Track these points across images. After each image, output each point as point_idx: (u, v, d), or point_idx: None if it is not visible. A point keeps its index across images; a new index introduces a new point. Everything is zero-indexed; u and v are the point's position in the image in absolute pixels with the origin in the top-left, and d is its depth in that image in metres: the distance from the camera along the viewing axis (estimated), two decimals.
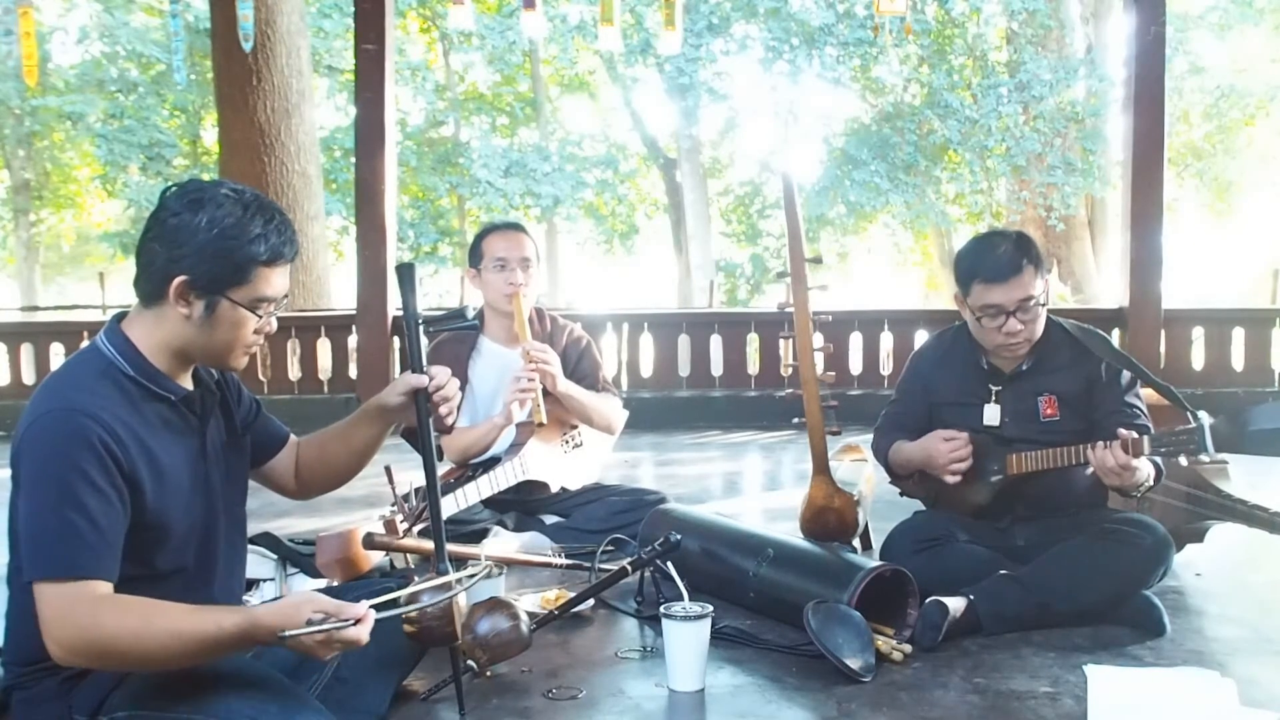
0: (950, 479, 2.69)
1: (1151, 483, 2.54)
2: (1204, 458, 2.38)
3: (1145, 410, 2.68)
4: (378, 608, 1.59)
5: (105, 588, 1.56)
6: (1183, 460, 2.43)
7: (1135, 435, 2.42)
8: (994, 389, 2.74)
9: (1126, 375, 2.70)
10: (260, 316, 1.72)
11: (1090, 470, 2.74)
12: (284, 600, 1.58)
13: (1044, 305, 2.66)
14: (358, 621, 1.53)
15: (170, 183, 1.75)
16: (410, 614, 1.76)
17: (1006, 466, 2.66)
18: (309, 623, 1.50)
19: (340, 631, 1.51)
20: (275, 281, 1.72)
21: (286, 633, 1.50)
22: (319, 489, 2.05)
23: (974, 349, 2.79)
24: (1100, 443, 2.46)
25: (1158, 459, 2.54)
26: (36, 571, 1.55)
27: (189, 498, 1.73)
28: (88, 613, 1.52)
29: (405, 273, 1.96)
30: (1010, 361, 2.74)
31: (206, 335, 1.69)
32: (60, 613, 1.52)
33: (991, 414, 2.73)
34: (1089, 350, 2.70)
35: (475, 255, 3.42)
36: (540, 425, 3.19)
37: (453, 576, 1.82)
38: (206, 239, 1.64)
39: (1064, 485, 2.73)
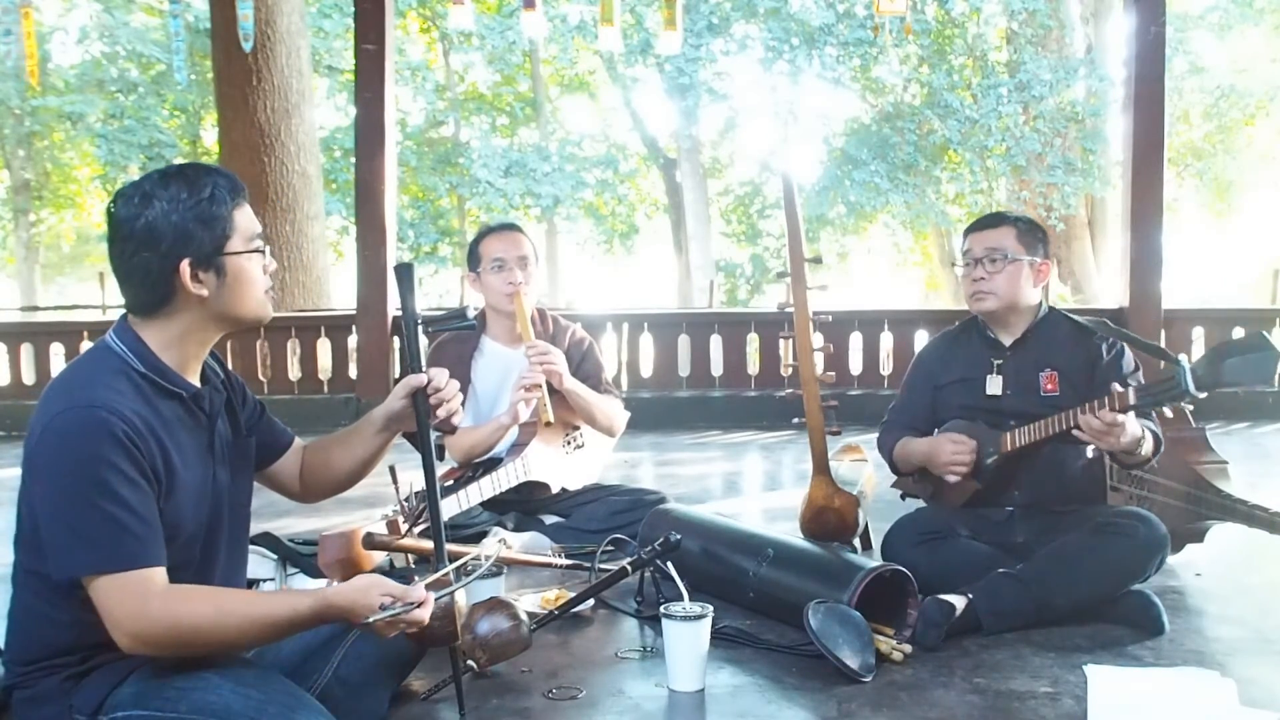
0: (950, 478, 2.74)
1: (1150, 448, 2.57)
2: (1187, 405, 2.45)
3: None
4: (430, 587, 1.70)
5: (163, 575, 1.60)
6: (1168, 412, 2.47)
7: (1122, 390, 2.44)
8: (995, 361, 2.84)
9: (1129, 360, 2.77)
10: (261, 251, 1.75)
11: (1083, 462, 2.78)
12: (353, 583, 1.66)
13: (1014, 264, 2.77)
14: (420, 604, 1.64)
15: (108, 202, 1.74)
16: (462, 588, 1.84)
17: (1001, 445, 2.71)
18: (381, 608, 1.62)
19: (407, 614, 1.63)
20: (253, 218, 1.76)
21: (370, 619, 1.61)
22: (323, 493, 2.06)
23: (979, 327, 2.92)
24: (1087, 404, 2.48)
25: (1154, 428, 2.60)
26: (88, 568, 1.55)
27: (198, 495, 1.73)
28: (161, 605, 1.56)
29: (404, 273, 1.96)
30: (1004, 328, 2.85)
31: (231, 298, 1.72)
32: (131, 606, 1.55)
33: (994, 385, 2.82)
34: (1091, 331, 2.80)
35: (473, 258, 3.42)
36: (548, 424, 3.19)
37: (470, 558, 1.88)
38: (179, 218, 1.66)
39: (1059, 472, 2.77)
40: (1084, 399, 2.65)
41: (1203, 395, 2.33)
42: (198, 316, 1.71)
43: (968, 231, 2.92)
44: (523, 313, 3.28)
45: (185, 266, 1.66)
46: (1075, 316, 2.89)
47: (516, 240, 3.38)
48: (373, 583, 1.65)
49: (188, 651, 1.63)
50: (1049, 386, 2.77)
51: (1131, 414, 2.45)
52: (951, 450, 2.73)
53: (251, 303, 1.75)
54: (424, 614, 1.66)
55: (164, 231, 1.65)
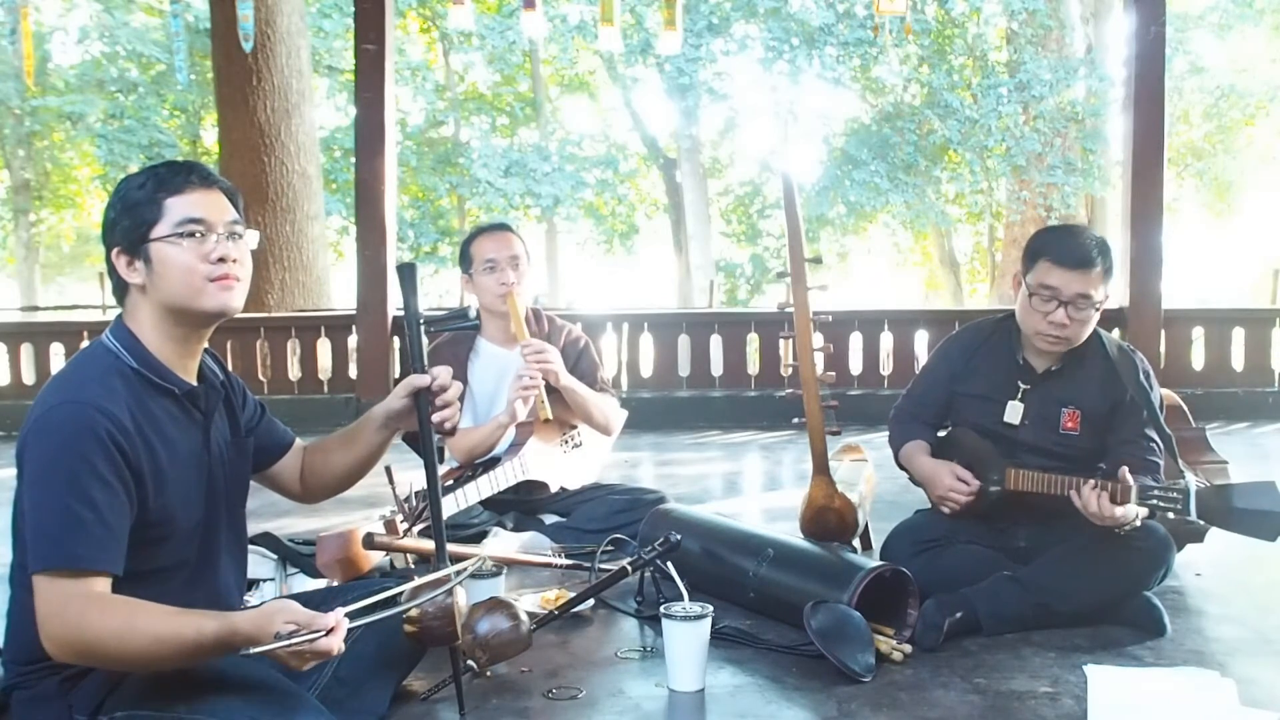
0: (944, 509, 2.71)
1: (1138, 524, 2.45)
2: (1191, 516, 2.34)
3: (1161, 445, 2.63)
4: (354, 615, 1.57)
5: (103, 583, 1.56)
6: (1170, 515, 2.38)
7: (1128, 483, 2.35)
8: (1022, 386, 2.71)
9: (1144, 418, 2.64)
10: (196, 236, 1.67)
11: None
12: (260, 609, 1.56)
13: (1097, 310, 2.59)
14: (330, 631, 1.51)
15: None
16: (392, 617, 1.73)
17: (1005, 480, 2.64)
18: (277, 636, 1.48)
19: (312, 643, 1.49)
20: (196, 204, 1.69)
21: (251, 650, 1.48)
22: (324, 494, 2.05)
23: (1012, 342, 2.75)
24: (1090, 483, 2.41)
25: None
26: (37, 562, 1.55)
27: (192, 492, 1.73)
28: (77, 612, 1.52)
29: (406, 273, 1.96)
30: (1044, 358, 2.71)
31: (166, 288, 1.68)
32: (52, 609, 1.53)
33: (1014, 412, 2.70)
34: (1120, 374, 2.66)
35: (465, 260, 3.41)
36: (546, 420, 3.19)
37: (437, 575, 1.81)
38: (114, 213, 1.71)
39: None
40: (1101, 439, 2.63)
41: (1200, 522, 2.32)
42: (149, 307, 1.71)
43: (1052, 260, 2.57)
44: (516, 312, 3.28)
45: (115, 255, 1.70)
46: (1114, 340, 2.73)
47: (508, 240, 3.38)
48: (278, 609, 1.54)
49: (95, 664, 1.58)
50: (1069, 425, 2.67)
51: (1131, 505, 2.36)
52: (950, 485, 2.66)
53: (183, 290, 1.68)
54: (333, 642, 1.51)
55: (106, 227, 1.72)
